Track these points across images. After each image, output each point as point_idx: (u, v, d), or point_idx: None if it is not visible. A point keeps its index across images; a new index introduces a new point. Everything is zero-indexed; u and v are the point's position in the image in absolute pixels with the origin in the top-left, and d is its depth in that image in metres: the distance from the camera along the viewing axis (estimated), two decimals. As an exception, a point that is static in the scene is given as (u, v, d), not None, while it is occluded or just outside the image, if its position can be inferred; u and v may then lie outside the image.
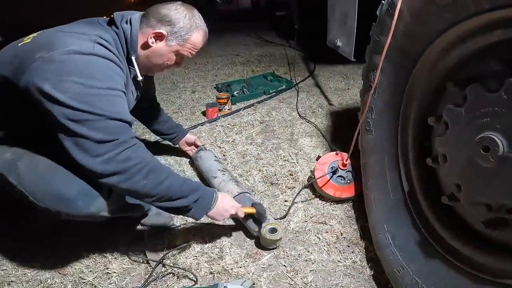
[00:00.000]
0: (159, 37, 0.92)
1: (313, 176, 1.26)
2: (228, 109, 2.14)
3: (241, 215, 1.02)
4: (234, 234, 1.12)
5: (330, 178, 1.21)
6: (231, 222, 1.16)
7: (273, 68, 2.90)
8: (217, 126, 1.91)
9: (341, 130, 1.78)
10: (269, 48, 3.72)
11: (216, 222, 1.08)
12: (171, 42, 0.93)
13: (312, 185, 1.30)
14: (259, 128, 1.87)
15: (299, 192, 1.26)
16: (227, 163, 1.52)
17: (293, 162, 1.51)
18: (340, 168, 1.22)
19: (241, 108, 2.15)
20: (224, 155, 1.59)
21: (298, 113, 2.03)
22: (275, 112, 2.07)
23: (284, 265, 1.00)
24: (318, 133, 1.78)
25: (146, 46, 0.93)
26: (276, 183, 1.36)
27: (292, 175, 1.42)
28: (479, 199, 0.63)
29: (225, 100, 2.11)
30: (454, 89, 0.69)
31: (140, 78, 0.95)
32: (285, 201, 1.26)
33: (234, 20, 5.76)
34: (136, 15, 0.94)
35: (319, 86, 2.48)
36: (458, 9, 0.65)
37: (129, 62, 0.92)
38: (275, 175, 1.42)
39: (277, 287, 0.93)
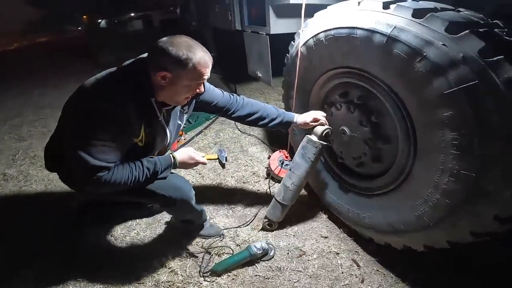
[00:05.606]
0: (165, 77, 0.97)
1: (270, 169, 1.94)
2: (184, 139, 2.65)
3: (204, 160, 1.26)
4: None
5: (281, 167, 1.92)
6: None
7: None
8: (183, 155, 2.40)
9: (273, 135, 2.53)
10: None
11: (194, 167, 1.54)
12: (178, 78, 0.97)
13: (270, 175, 1.99)
14: (216, 148, 2.45)
15: (270, 181, 1.92)
16: (205, 179, 2.06)
17: (251, 165, 2.17)
18: (285, 160, 1.94)
19: (194, 136, 2.68)
20: (200, 174, 2.11)
21: (239, 129, 2.70)
22: (222, 133, 2.68)
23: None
24: (259, 141, 2.49)
25: (159, 86, 1.01)
26: (247, 182, 2.00)
27: (254, 173, 2.07)
28: (350, 155, 1.42)
29: (181, 132, 2.62)
30: (327, 108, 1.47)
31: (160, 118, 1.07)
32: (258, 190, 1.91)
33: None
34: (141, 59, 1.02)
35: (246, 104, 3.19)
36: (322, 67, 1.39)
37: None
38: (244, 177, 2.05)
39: (276, 239, 1.57)
